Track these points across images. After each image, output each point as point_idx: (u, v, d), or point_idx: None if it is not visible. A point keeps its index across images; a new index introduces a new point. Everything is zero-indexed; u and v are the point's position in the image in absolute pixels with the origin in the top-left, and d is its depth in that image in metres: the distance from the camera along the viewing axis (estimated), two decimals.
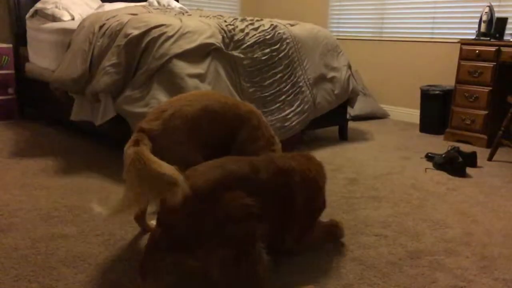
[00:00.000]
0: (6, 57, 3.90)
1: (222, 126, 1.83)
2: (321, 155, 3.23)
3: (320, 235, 1.80)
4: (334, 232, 1.86)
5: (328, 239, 1.85)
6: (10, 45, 3.98)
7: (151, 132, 1.63)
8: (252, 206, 1.40)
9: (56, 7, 3.86)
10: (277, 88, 3.11)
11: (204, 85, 2.67)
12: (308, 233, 1.73)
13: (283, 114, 3.14)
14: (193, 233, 1.37)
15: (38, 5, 3.91)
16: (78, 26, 3.15)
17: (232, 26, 3.00)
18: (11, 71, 3.94)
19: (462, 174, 2.86)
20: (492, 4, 3.75)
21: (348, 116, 3.86)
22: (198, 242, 1.36)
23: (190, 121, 1.71)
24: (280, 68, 3.15)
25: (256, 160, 1.58)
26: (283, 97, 3.15)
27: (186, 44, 2.66)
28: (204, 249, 1.36)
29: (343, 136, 3.76)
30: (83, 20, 3.18)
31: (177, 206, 1.38)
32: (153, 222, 1.85)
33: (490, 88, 3.62)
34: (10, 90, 3.98)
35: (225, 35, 2.89)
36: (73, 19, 3.84)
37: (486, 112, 3.66)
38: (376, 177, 2.78)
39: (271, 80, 3.08)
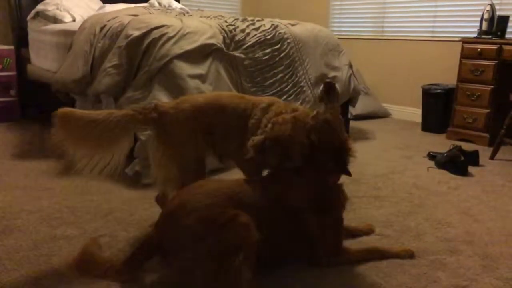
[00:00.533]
0: (8, 59, 3.91)
1: (231, 116, 1.85)
2: None
3: (361, 252, 1.74)
4: (377, 254, 1.76)
5: (370, 257, 1.74)
6: (12, 47, 3.99)
7: (162, 108, 1.82)
8: (239, 223, 1.40)
9: (58, 8, 3.87)
10: (279, 88, 3.11)
11: (205, 86, 2.67)
12: (335, 243, 1.69)
13: None
14: (177, 242, 1.40)
15: (40, 7, 3.92)
16: (79, 28, 3.16)
17: (233, 27, 3.00)
18: (13, 73, 3.95)
19: (464, 173, 2.85)
20: (494, 2, 3.74)
21: (349, 116, 3.86)
22: (181, 251, 1.38)
23: (197, 108, 1.85)
24: (281, 68, 3.15)
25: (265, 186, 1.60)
26: (285, 97, 3.14)
27: (187, 45, 2.67)
28: (186, 259, 1.38)
29: None
30: (84, 22, 3.18)
31: (168, 214, 1.47)
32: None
33: (492, 86, 3.61)
34: (12, 92, 3.99)
35: (226, 35, 2.89)
36: (74, 20, 3.84)
37: (488, 110, 3.65)
38: (378, 176, 2.77)
39: (272, 80, 3.08)
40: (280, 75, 3.14)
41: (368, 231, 1.97)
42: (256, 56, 3.01)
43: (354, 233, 1.94)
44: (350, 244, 1.84)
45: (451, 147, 3.06)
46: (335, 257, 1.68)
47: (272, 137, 1.62)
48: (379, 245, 1.85)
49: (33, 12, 3.94)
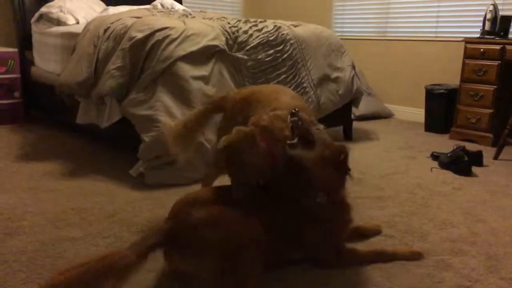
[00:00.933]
0: (12, 61, 3.92)
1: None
2: None
3: (367, 255, 1.72)
4: (386, 255, 1.73)
5: (377, 260, 1.71)
6: (16, 49, 4.01)
7: (227, 95, 2.08)
8: (249, 222, 1.42)
9: (61, 11, 3.88)
10: None
11: (208, 87, 2.68)
12: (335, 250, 1.66)
13: None
14: (185, 238, 1.41)
15: (43, 9, 3.93)
16: (83, 30, 3.17)
17: (236, 28, 3.01)
18: (17, 75, 3.97)
19: (467, 173, 2.85)
20: (496, 2, 3.73)
21: (352, 116, 3.86)
22: (188, 247, 1.40)
23: (240, 100, 1.98)
24: (284, 69, 3.16)
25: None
26: None
27: (190, 47, 2.67)
28: (193, 256, 1.39)
29: (348, 136, 3.76)
30: (88, 24, 3.20)
31: (181, 205, 1.50)
32: None
33: (495, 86, 3.60)
34: (16, 94, 4.00)
35: (228, 37, 2.90)
36: (77, 23, 3.86)
37: (491, 110, 3.64)
38: (381, 176, 2.77)
39: (275, 81, 3.09)
40: (283, 76, 3.15)
41: (375, 231, 1.96)
42: (259, 57, 3.01)
43: (361, 233, 1.92)
44: (356, 245, 1.84)
45: (455, 147, 3.05)
46: (337, 261, 1.66)
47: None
48: (384, 246, 1.85)
49: (36, 14, 3.96)
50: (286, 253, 1.64)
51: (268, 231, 1.49)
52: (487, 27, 3.70)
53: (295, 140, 1.50)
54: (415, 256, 1.75)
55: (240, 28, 3.03)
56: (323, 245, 1.64)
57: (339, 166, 1.55)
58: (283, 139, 1.58)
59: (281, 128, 1.62)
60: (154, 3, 4.29)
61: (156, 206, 2.21)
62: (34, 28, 3.98)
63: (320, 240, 1.63)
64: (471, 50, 3.71)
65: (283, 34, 3.20)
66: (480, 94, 3.67)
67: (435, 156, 3.17)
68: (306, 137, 1.51)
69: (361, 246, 1.84)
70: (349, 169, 1.58)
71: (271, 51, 3.09)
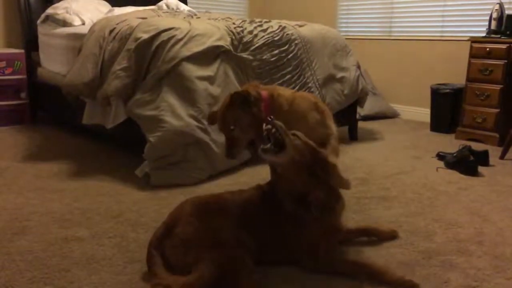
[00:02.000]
0: (19, 62, 3.95)
1: None
2: None
3: (353, 266, 1.63)
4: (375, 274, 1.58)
5: (359, 273, 1.60)
6: (22, 51, 4.03)
7: None
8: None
9: (67, 12, 3.90)
10: None
11: (213, 87, 2.68)
12: (322, 249, 1.63)
13: None
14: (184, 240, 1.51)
15: (49, 11, 3.95)
16: (88, 31, 3.18)
17: (241, 28, 3.01)
18: (23, 76, 3.99)
19: (474, 173, 2.83)
20: (502, 1, 3.71)
21: (357, 116, 3.85)
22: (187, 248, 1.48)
23: None
24: (289, 69, 3.16)
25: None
26: None
27: (195, 47, 2.68)
28: (193, 255, 1.45)
29: (353, 136, 3.75)
30: (94, 25, 3.21)
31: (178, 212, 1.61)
32: None
33: (502, 86, 3.58)
34: (23, 95, 4.03)
35: (233, 37, 2.90)
36: (83, 24, 3.88)
37: (497, 110, 3.62)
38: (387, 177, 2.77)
39: (280, 82, 3.09)
40: (288, 76, 3.15)
41: (390, 236, 1.90)
42: (264, 57, 3.02)
43: (375, 235, 1.89)
44: (363, 247, 1.84)
45: (460, 147, 3.03)
46: (313, 267, 1.62)
47: None
48: (389, 246, 1.84)
49: (43, 16, 3.98)
50: (282, 254, 1.66)
51: (263, 233, 1.59)
52: (493, 26, 3.69)
53: (268, 145, 1.57)
54: (408, 285, 1.53)
55: (245, 28, 3.04)
56: (298, 249, 1.63)
57: (314, 171, 1.57)
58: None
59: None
60: (159, 3, 4.29)
61: (161, 206, 2.21)
62: (40, 29, 4.00)
63: (296, 244, 1.63)
64: (477, 50, 3.69)
65: (288, 34, 3.20)
66: (486, 94, 3.65)
67: (441, 156, 3.15)
68: (281, 143, 1.57)
69: (368, 250, 1.83)
70: (324, 174, 1.59)
71: (276, 51, 3.10)
